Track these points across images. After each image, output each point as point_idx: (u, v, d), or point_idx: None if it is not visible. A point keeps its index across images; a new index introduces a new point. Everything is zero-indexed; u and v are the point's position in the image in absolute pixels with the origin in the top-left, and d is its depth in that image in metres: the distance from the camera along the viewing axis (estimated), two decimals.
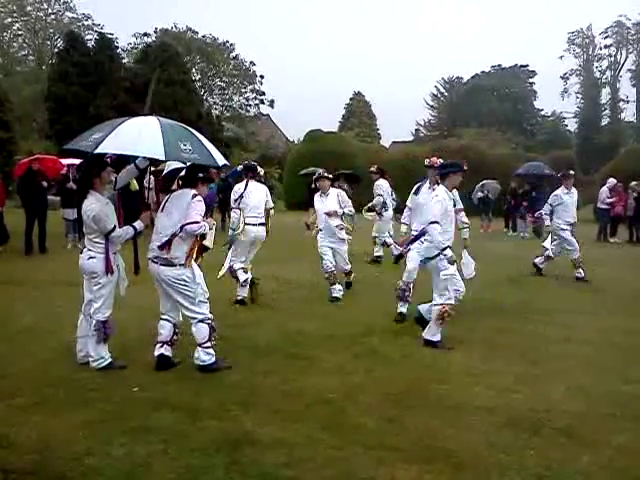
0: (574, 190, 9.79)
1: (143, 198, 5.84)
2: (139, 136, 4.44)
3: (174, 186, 5.20)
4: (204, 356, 4.86)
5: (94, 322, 4.80)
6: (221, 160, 4.85)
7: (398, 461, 3.43)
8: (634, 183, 16.50)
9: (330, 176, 8.24)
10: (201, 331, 4.84)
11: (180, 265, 4.77)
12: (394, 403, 4.30)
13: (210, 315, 4.92)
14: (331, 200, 7.95)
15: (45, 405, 4.12)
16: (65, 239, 12.33)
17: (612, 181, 17.22)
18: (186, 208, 4.75)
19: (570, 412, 4.18)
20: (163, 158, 4.47)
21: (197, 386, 4.55)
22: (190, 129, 4.88)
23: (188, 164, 4.96)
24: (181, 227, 4.72)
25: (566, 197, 9.64)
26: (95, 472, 3.24)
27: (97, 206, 4.73)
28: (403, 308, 6.78)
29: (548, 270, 9.99)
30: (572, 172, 10.11)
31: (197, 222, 4.73)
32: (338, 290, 7.93)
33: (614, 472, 3.37)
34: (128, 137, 4.46)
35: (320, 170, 8.42)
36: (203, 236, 5.07)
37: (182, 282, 4.78)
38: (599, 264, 11.42)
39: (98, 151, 4.37)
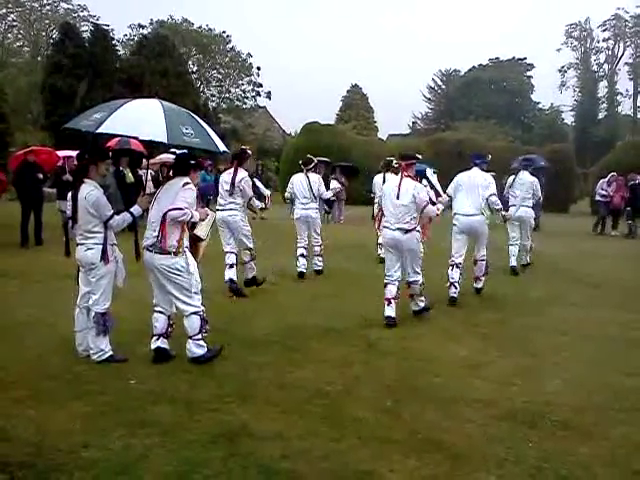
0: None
1: (142, 189, 5.80)
2: (142, 119, 4.42)
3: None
4: (195, 348, 4.84)
5: (93, 314, 4.77)
6: (222, 146, 4.84)
7: (396, 453, 3.43)
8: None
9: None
10: (193, 323, 4.82)
11: (174, 253, 4.74)
12: (392, 395, 4.29)
13: (202, 307, 4.89)
14: None
15: (42, 398, 4.10)
16: (61, 231, 12.25)
17: (612, 174, 17.23)
18: (174, 196, 4.71)
19: (568, 404, 4.19)
20: (165, 141, 4.43)
21: (194, 378, 4.54)
22: (192, 114, 4.87)
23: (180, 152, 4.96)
24: (164, 214, 4.67)
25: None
26: (92, 464, 3.22)
27: (97, 192, 4.72)
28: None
29: (541, 263, 10.01)
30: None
31: (180, 209, 4.66)
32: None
33: (613, 464, 3.37)
34: (131, 119, 4.43)
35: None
36: (194, 226, 5.02)
37: (175, 271, 4.73)
38: (596, 257, 11.44)
39: (100, 130, 4.32)
